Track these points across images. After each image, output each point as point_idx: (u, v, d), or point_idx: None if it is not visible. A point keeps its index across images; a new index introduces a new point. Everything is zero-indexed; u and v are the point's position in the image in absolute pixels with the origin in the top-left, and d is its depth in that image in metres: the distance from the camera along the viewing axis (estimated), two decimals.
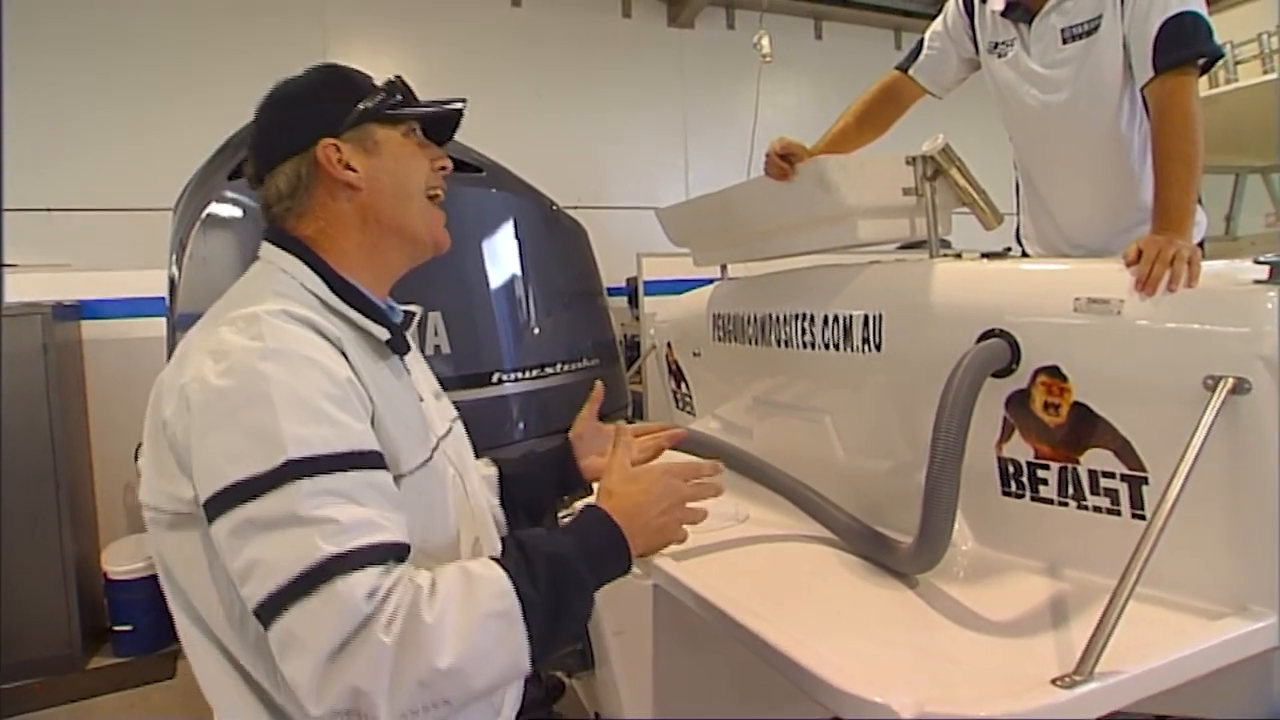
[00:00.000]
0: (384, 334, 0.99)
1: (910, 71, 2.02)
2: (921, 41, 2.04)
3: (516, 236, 1.74)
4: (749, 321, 2.05)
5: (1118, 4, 1.65)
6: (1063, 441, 1.35)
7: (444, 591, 0.79)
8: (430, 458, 0.99)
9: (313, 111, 1.02)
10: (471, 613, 0.79)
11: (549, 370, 1.69)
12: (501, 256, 1.72)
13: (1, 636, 3.46)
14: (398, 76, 1.08)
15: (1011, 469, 1.44)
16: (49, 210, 4.92)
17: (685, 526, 1.08)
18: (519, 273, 1.74)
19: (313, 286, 0.96)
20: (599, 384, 1.35)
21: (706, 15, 7.06)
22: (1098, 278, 1.33)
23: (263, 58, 5.65)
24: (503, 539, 0.95)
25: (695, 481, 1.12)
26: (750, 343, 2.05)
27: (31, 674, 3.44)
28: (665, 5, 7.04)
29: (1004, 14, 1.84)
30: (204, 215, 1.57)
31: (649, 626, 1.57)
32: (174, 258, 1.66)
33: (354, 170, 1.00)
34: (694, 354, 2.42)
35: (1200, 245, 1.72)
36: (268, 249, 1.01)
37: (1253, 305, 1.17)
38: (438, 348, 1.46)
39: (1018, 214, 2.11)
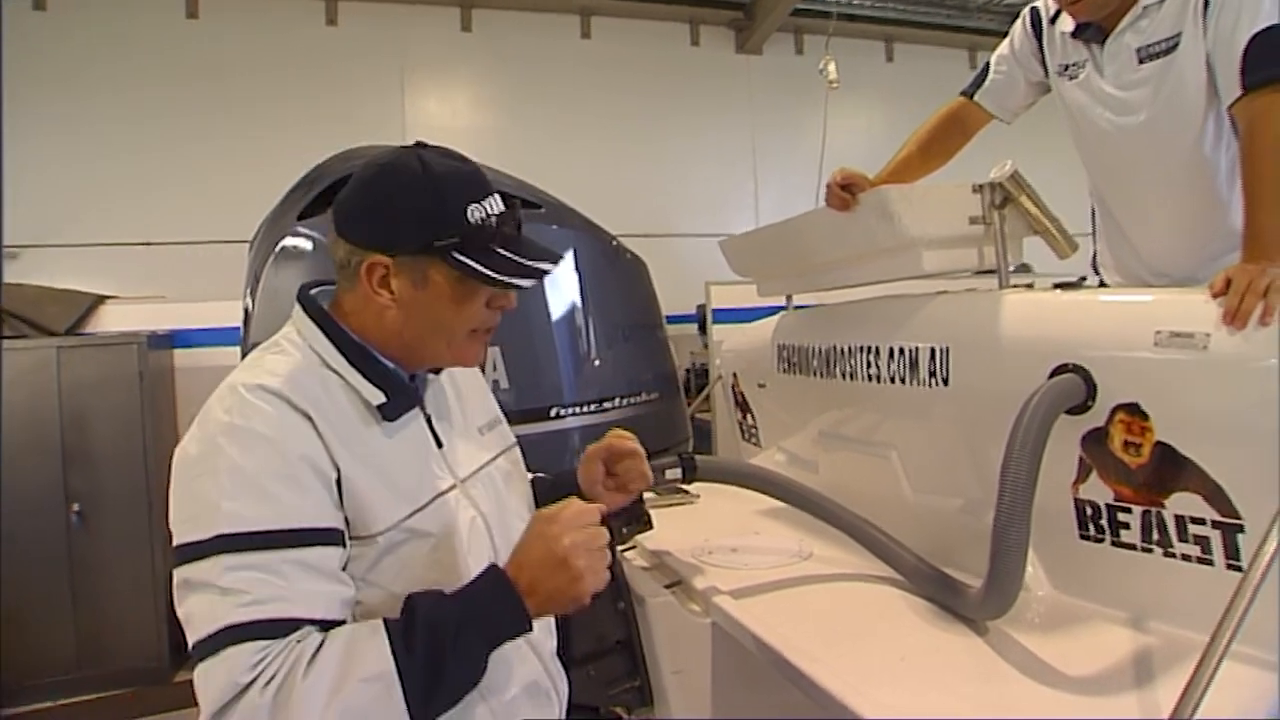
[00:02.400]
0: (377, 398, 1.02)
1: (976, 97, 1.96)
2: (987, 66, 1.98)
3: (577, 271, 1.76)
4: (813, 353, 2.01)
5: (1199, 19, 1.55)
6: (1145, 484, 1.27)
7: (324, 656, 0.85)
8: (419, 510, 1.01)
9: (382, 215, 1.01)
10: (347, 677, 0.84)
11: (608, 404, 1.69)
12: (562, 291, 1.73)
13: (99, 648, 3.65)
14: (503, 212, 1.04)
15: (1089, 511, 1.36)
16: (147, 244, 5.21)
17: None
18: (579, 307, 1.76)
19: (318, 348, 1.03)
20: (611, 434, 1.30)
21: (775, 41, 7.06)
22: (1181, 309, 1.25)
23: (344, 95, 5.92)
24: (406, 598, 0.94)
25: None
26: (815, 375, 2.02)
27: (123, 684, 3.62)
28: (733, 32, 7.07)
29: (1075, 35, 1.77)
30: (277, 250, 1.64)
31: (707, 665, 1.54)
32: (249, 290, 1.73)
33: (391, 293, 1.01)
34: (759, 385, 2.39)
35: None
36: (295, 308, 1.07)
37: None
38: (496, 382, 1.48)
39: (1094, 241, 2.02)
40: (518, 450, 1.31)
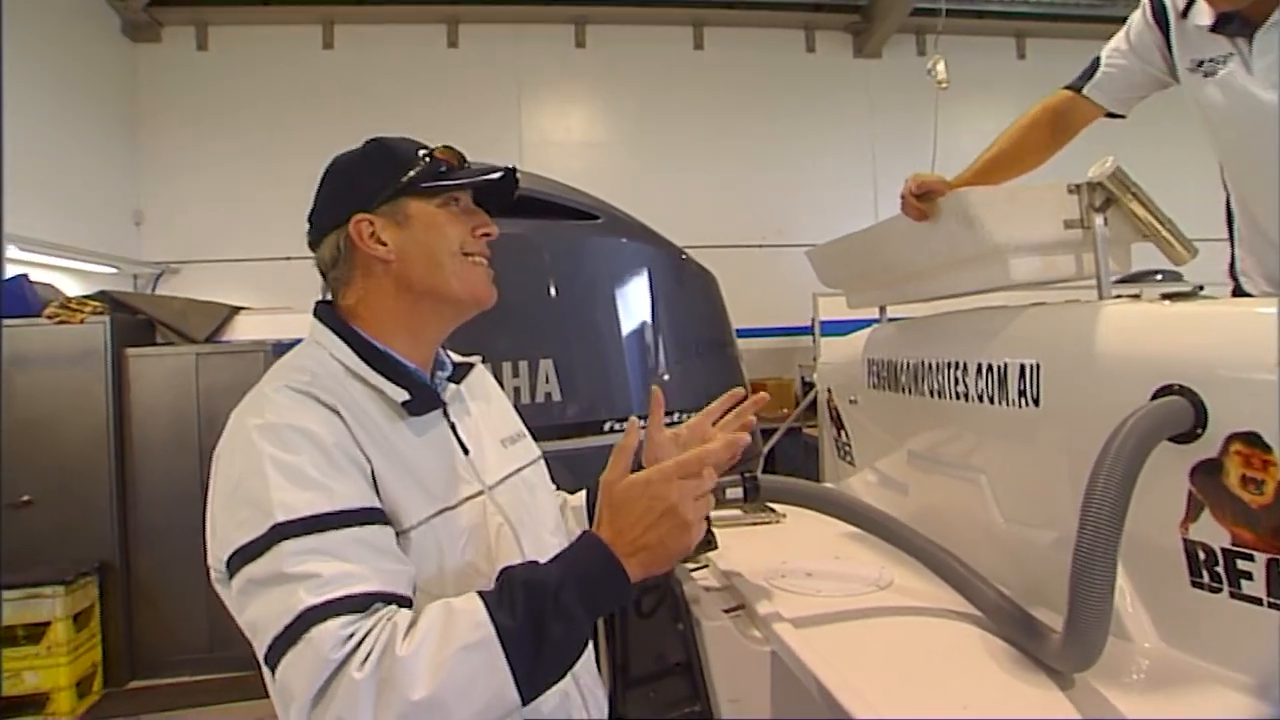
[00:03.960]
0: (401, 395, 1.03)
1: (1085, 90, 1.79)
2: (1098, 60, 1.81)
3: (639, 284, 1.72)
4: (902, 368, 1.89)
5: None
6: (1271, 528, 1.10)
7: (422, 627, 0.82)
8: (448, 509, 1.00)
9: (350, 187, 1.08)
10: (447, 646, 0.81)
11: (673, 419, 1.64)
12: (621, 304, 1.69)
13: (229, 634, 3.92)
14: (443, 147, 1.12)
15: (1202, 555, 1.19)
16: (286, 259, 5.59)
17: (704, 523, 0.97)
18: (642, 320, 1.71)
19: (340, 355, 1.04)
20: (656, 389, 1.30)
21: (895, 43, 6.81)
22: None
23: (464, 114, 6.16)
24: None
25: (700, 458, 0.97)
26: (904, 391, 1.89)
27: (249, 668, 3.87)
28: (851, 36, 6.87)
29: (1215, 28, 1.60)
30: None
31: (766, 695, 1.46)
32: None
33: (384, 244, 1.05)
34: (851, 401, 2.27)
35: None
36: (312, 322, 1.09)
37: None
38: (549, 395, 1.46)
39: (1232, 248, 1.80)
40: (543, 465, 1.30)
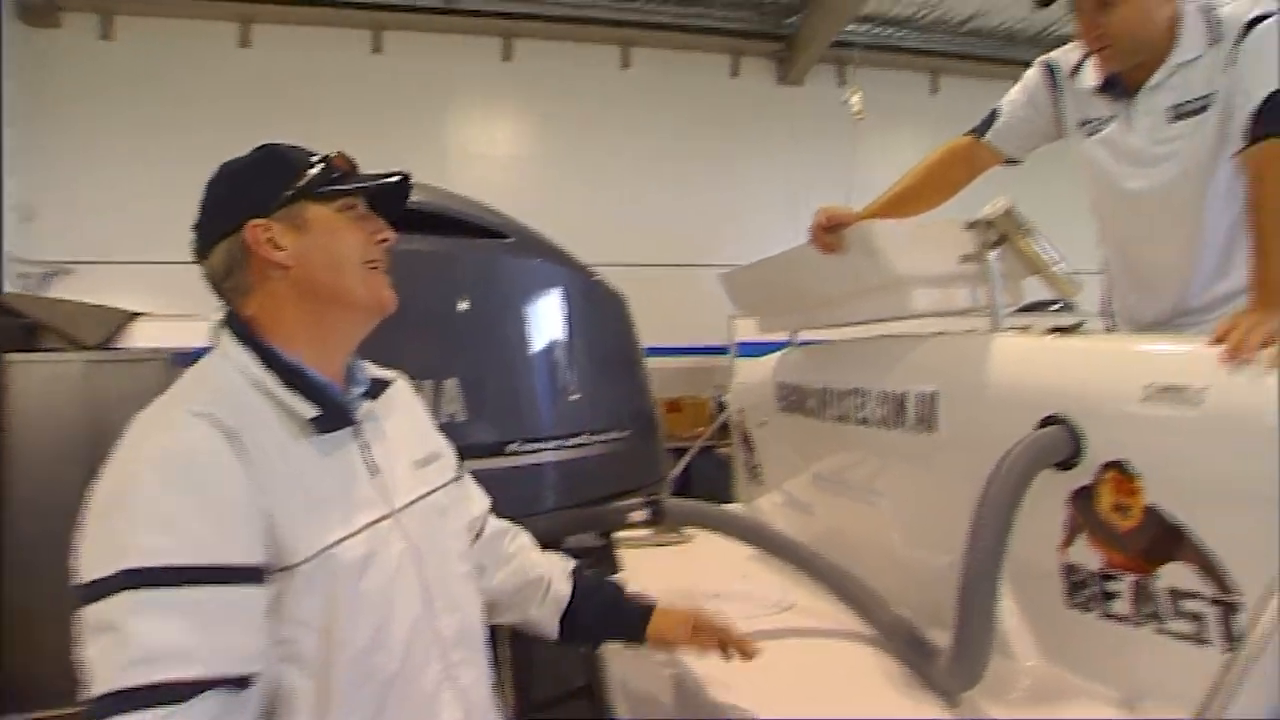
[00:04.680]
0: (309, 411, 0.99)
1: (985, 138, 1.90)
2: (997, 109, 1.91)
3: (549, 304, 1.71)
4: (810, 393, 1.94)
5: (1229, 85, 1.53)
6: (1135, 550, 1.16)
7: None
8: (346, 538, 0.97)
9: (243, 193, 1.05)
10: None
11: (577, 439, 1.63)
12: (531, 324, 1.68)
13: (30, 669, 3.68)
14: (338, 152, 1.10)
15: (1078, 577, 1.26)
16: (192, 263, 5.34)
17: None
18: (551, 341, 1.70)
19: (246, 369, 0.99)
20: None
21: (816, 73, 7.02)
22: (1175, 361, 1.16)
23: (388, 122, 6.05)
24: None
25: None
26: (811, 415, 1.94)
27: None
28: (774, 63, 7.05)
29: (1101, 90, 1.71)
30: None
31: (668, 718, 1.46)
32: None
33: (282, 249, 1.02)
34: (760, 423, 2.31)
35: None
36: (222, 334, 1.04)
37: None
38: (453, 415, 1.44)
39: (1102, 285, 1.92)
40: (463, 485, 1.27)
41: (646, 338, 2.13)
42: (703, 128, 6.84)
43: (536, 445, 1.57)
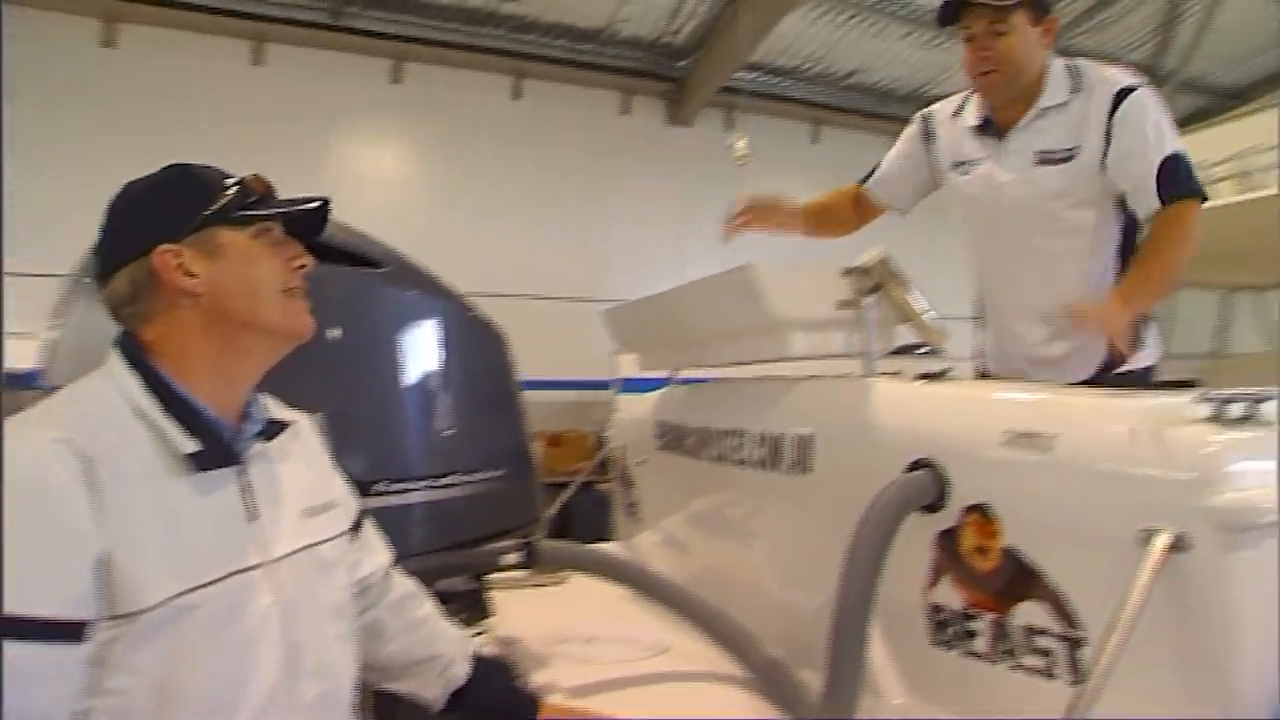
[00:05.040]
0: (188, 446, 0.93)
1: (867, 185, 2.02)
2: (880, 162, 2.06)
3: (424, 338, 1.64)
4: (688, 432, 1.94)
5: (1101, 143, 1.69)
6: (994, 590, 1.21)
7: None
8: (202, 586, 0.90)
9: (152, 216, 0.99)
10: None
11: (449, 479, 1.56)
12: (403, 358, 1.60)
13: None
14: (253, 175, 1.05)
15: (942, 616, 1.29)
16: (30, 275, 4.90)
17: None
18: (425, 376, 1.63)
19: (129, 393, 0.94)
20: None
21: (705, 115, 7.22)
22: (1031, 410, 1.22)
23: (267, 137, 5.77)
24: None
25: None
26: (689, 454, 1.94)
27: None
28: (665, 103, 7.20)
29: (977, 129, 1.84)
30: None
31: None
32: (58, 321, 1.62)
33: (194, 276, 0.97)
34: (639, 461, 2.30)
35: (1149, 369, 1.77)
36: (111, 353, 0.98)
37: (1192, 449, 1.04)
38: None
39: (975, 330, 2.03)
40: (364, 539, 1.21)
41: (530, 371, 2.09)
42: (592, 163, 6.89)
43: (405, 485, 1.49)
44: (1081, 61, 1.77)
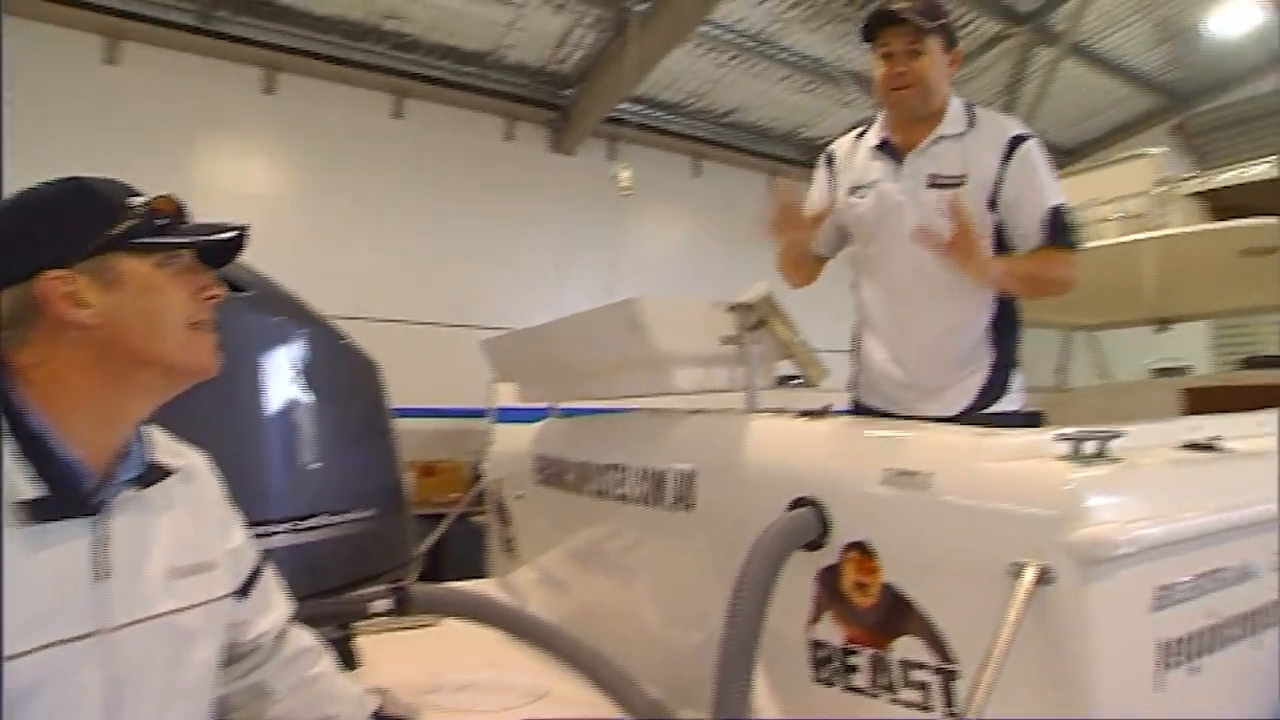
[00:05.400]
0: (27, 492, 0.81)
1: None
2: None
3: (291, 368, 1.52)
4: (569, 466, 1.89)
5: (991, 184, 1.78)
6: (873, 626, 1.23)
7: None
8: (12, 657, 0.77)
9: (43, 235, 0.88)
10: None
11: (313, 521, 1.45)
12: (268, 389, 1.47)
13: None
14: (163, 196, 0.95)
15: (823, 653, 1.30)
16: None
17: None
18: (291, 408, 1.51)
19: None
20: None
21: (588, 145, 7.24)
22: (909, 448, 1.25)
23: (124, 141, 5.34)
24: None
25: None
26: (570, 489, 1.89)
27: None
28: (548, 131, 7.18)
29: (877, 148, 1.90)
30: None
31: None
32: None
33: (86, 307, 0.86)
34: (518, 495, 2.23)
35: (1016, 413, 1.81)
36: None
37: (1053, 484, 1.10)
38: None
39: (851, 362, 2.06)
40: (256, 599, 1.09)
41: (403, 398, 1.98)
42: (473, 187, 6.76)
43: (265, 529, 1.35)
44: (975, 104, 1.89)
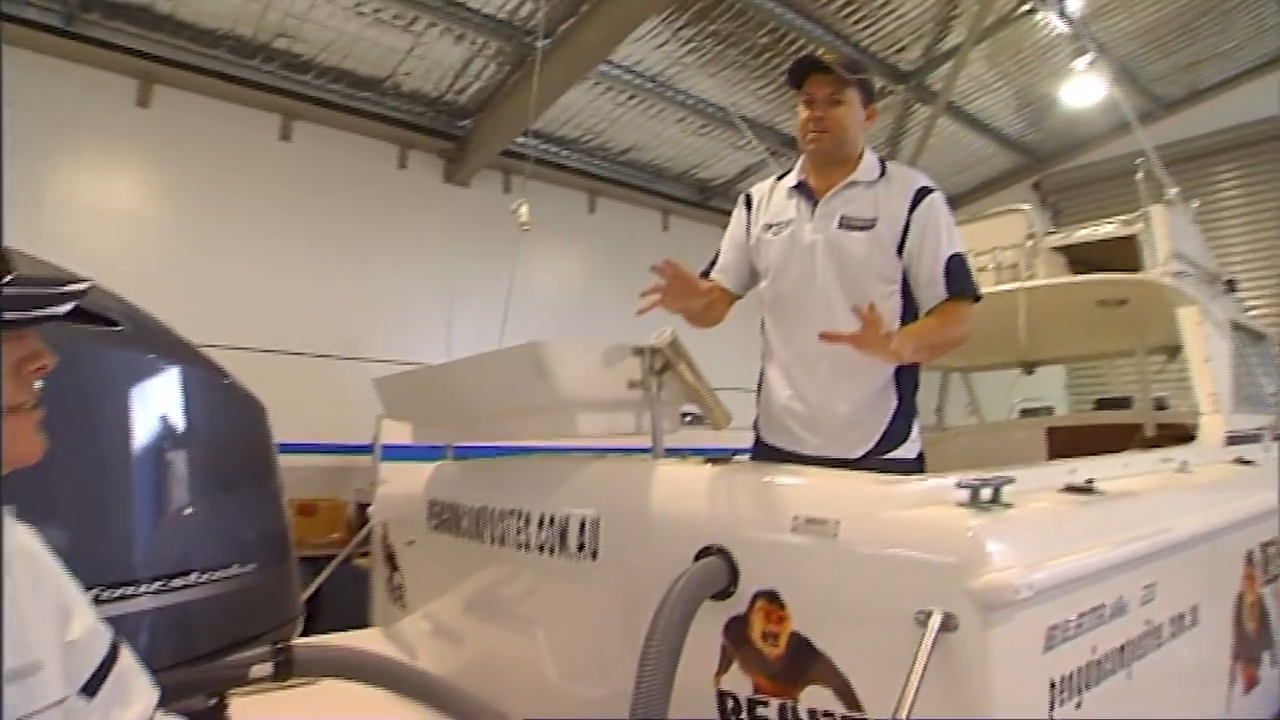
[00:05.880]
0: None
1: (713, 275, 2.05)
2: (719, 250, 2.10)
3: (165, 410, 1.38)
4: (465, 512, 1.82)
5: (899, 231, 1.87)
6: (782, 675, 1.22)
7: None
8: None
9: None
10: None
11: (185, 579, 1.30)
12: (129, 434, 1.31)
13: None
14: None
15: (730, 704, 1.28)
16: None
17: None
18: (164, 454, 1.36)
19: None
20: None
21: (483, 177, 7.16)
22: (816, 495, 1.26)
23: None
24: None
25: None
26: (466, 536, 1.81)
27: None
28: (443, 161, 7.06)
29: (795, 188, 1.97)
30: None
31: None
32: None
33: None
34: (408, 542, 2.12)
35: (920, 457, 1.90)
36: None
37: (955, 532, 1.12)
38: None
39: (756, 404, 2.07)
40: (114, 690, 0.92)
41: (282, 432, 1.84)
42: (362, 214, 6.54)
43: (129, 590, 1.20)
44: (886, 158, 2.00)
